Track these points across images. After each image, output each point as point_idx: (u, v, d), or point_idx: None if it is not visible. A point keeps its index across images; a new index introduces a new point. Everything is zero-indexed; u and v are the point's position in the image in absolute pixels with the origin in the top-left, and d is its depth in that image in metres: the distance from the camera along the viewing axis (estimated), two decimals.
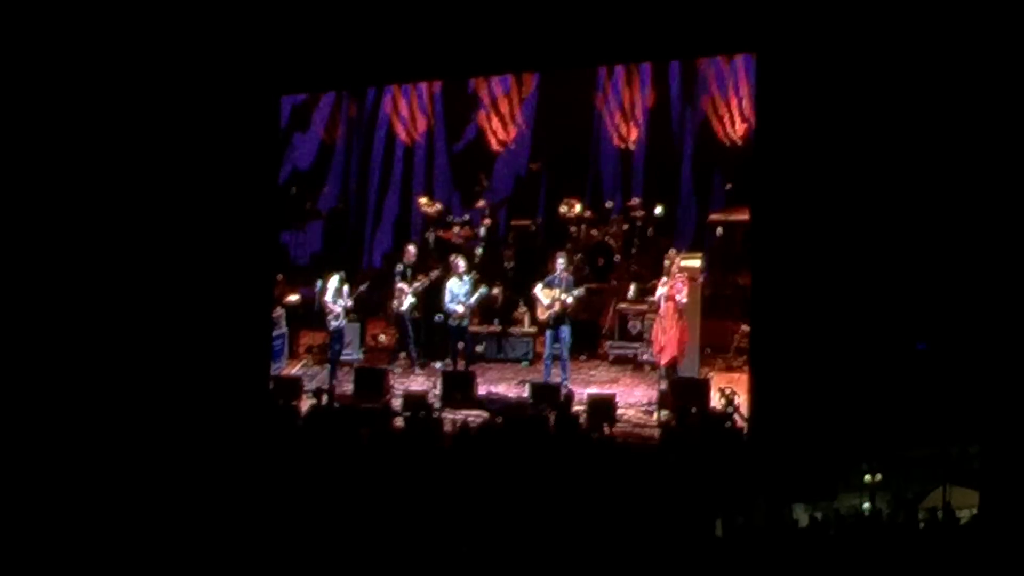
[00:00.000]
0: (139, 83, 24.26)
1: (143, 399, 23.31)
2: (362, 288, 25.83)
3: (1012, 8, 20.85)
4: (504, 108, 27.27)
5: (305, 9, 24.07)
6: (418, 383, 25.26)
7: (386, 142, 27.77)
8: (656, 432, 23.00)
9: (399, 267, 26.08)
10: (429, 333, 25.79)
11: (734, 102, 25.76)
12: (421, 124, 27.78)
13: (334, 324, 25.63)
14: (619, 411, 23.60)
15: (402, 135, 27.74)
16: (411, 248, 26.19)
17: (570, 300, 24.52)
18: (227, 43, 24.16)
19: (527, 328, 25.76)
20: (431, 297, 25.57)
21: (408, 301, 25.69)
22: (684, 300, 23.99)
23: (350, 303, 25.63)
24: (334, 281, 25.66)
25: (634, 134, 26.71)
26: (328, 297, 25.69)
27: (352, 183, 28.23)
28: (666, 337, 24.05)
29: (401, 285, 25.88)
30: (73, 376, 23.64)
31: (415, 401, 24.23)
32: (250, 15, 24.06)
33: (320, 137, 27.95)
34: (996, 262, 20.95)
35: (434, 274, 25.56)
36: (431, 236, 26.93)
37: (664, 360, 24.08)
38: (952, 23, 21.06)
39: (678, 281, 23.94)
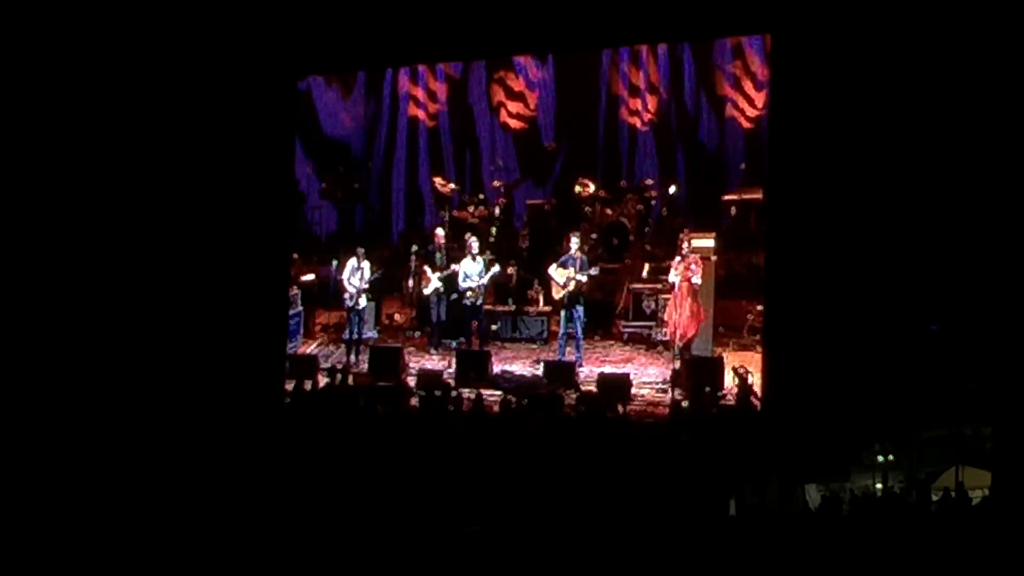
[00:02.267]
0: (155, 64, 24.18)
1: (160, 378, 23.29)
2: (378, 274, 25.71)
3: None
4: (519, 88, 27.24)
5: None
6: (433, 362, 25.15)
7: (402, 122, 27.77)
8: (680, 412, 22.91)
9: (428, 248, 25.96)
10: (449, 315, 25.68)
11: (748, 82, 25.70)
12: (436, 105, 27.77)
13: (348, 303, 25.53)
14: (633, 390, 23.48)
15: (418, 115, 27.72)
16: (440, 232, 26.03)
17: (584, 280, 24.40)
18: (243, 26, 24.07)
19: (541, 307, 25.70)
20: (453, 281, 25.44)
21: (433, 286, 25.59)
22: (698, 281, 23.88)
23: (366, 285, 25.48)
24: (352, 260, 25.53)
25: (648, 114, 26.67)
26: (344, 276, 25.58)
27: (371, 162, 28.27)
28: (680, 317, 23.95)
29: (426, 268, 25.78)
30: (91, 354, 23.62)
31: (430, 379, 24.15)
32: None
33: (342, 118, 28.04)
34: (1011, 243, 20.84)
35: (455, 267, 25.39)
36: (445, 216, 26.91)
37: (678, 340, 23.98)
38: (969, 11, 20.95)
39: (692, 262, 23.83)
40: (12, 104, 24.13)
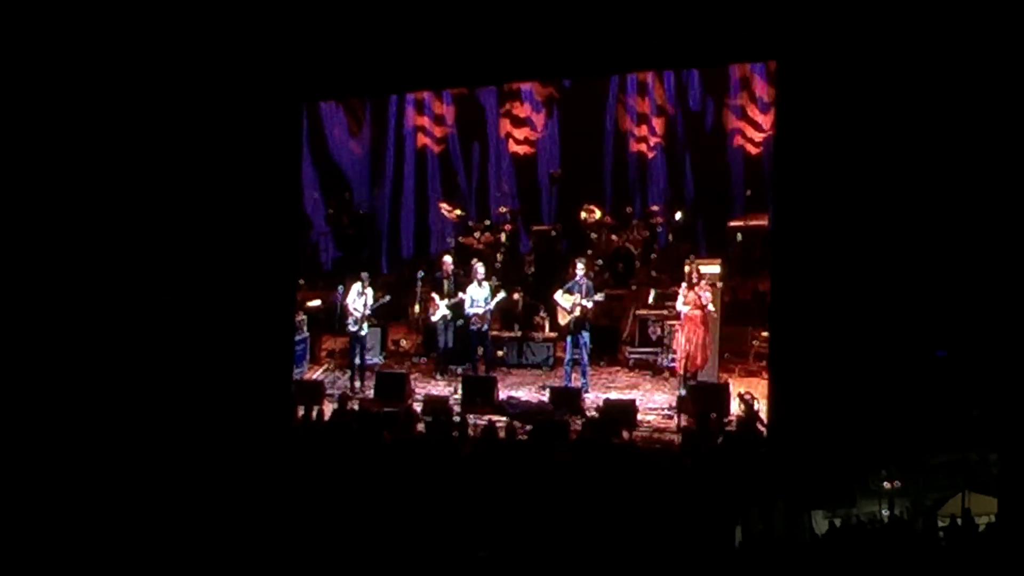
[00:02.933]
0: (160, 89, 24.23)
1: (166, 402, 23.29)
2: (383, 300, 25.73)
3: None
4: (525, 115, 27.30)
5: (327, 15, 24.00)
6: (439, 388, 25.16)
7: (408, 148, 27.84)
8: (676, 438, 22.89)
9: (436, 275, 25.94)
10: (455, 341, 25.68)
11: (754, 107, 25.75)
12: (444, 128, 27.84)
13: (352, 329, 25.54)
14: (639, 416, 23.47)
15: (425, 143, 27.78)
16: (448, 259, 26.02)
17: (590, 305, 24.38)
18: (248, 50, 24.12)
19: (547, 333, 25.74)
20: (461, 308, 25.41)
21: (440, 313, 25.60)
22: (712, 308, 23.90)
23: (369, 311, 25.49)
24: (356, 286, 25.54)
25: (655, 138, 26.74)
26: (348, 301, 25.60)
27: (376, 189, 28.32)
28: (693, 345, 23.94)
29: (434, 295, 25.78)
30: (95, 378, 23.64)
31: (436, 405, 24.14)
32: (271, 22, 24.03)
33: (347, 143, 28.11)
34: (1018, 270, 20.85)
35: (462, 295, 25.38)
36: (452, 241, 26.95)
37: (691, 367, 23.98)
38: (976, 31, 20.95)
39: (704, 290, 23.82)
40: (16, 122, 24.24)
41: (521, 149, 27.56)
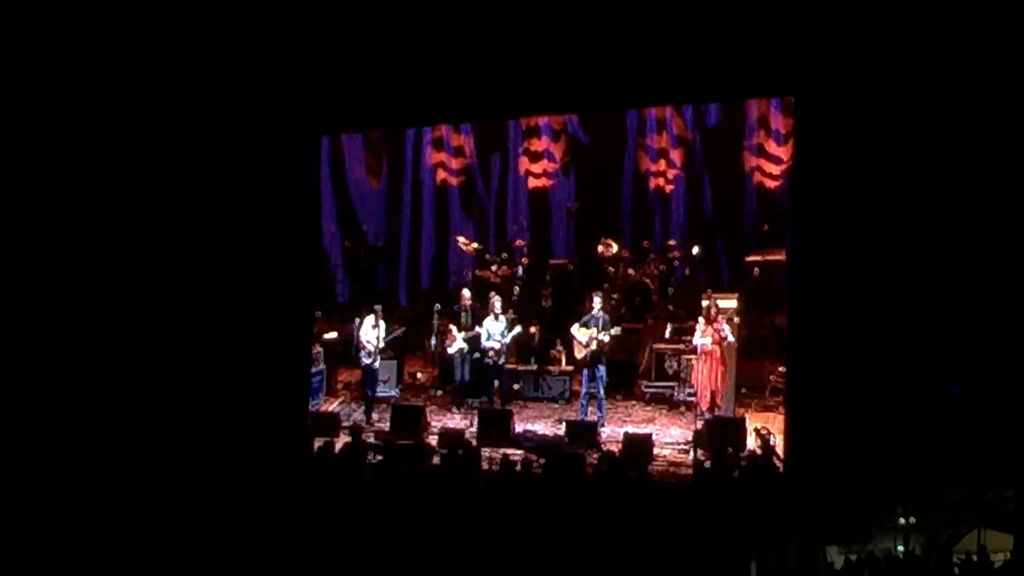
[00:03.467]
0: (180, 121, 24.39)
1: (185, 433, 23.37)
2: (398, 332, 25.81)
3: None
4: (542, 149, 27.37)
5: (347, 50, 24.13)
6: (455, 421, 25.20)
7: (426, 184, 27.92)
8: (703, 472, 22.89)
9: (454, 308, 25.98)
10: (471, 374, 25.73)
11: (771, 142, 25.79)
12: (461, 162, 27.92)
13: (366, 361, 25.61)
14: (655, 450, 23.48)
15: (443, 176, 27.87)
16: (466, 292, 26.05)
17: (607, 339, 24.41)
18: (268, 82, 24.26)
19: (564, 367, 25.74)
20: (478, 341, 25.48)
21: (457, 345, 25.66)
22: (732, 339, 23.95)
23: (383, 344, 25.57)
24: (370, 319, 25.61)
25: (672, 173, 26.78)
26: (362, 334, 25.70)
27: (393, 223, 28.38)
28: (712, 380, 23.95)
29: (452, 328, 25.83)
30: (110, 410, 23.74)
31: (452, 438, 24.16)
32: (293, 54, 24.17)
33: (365, 177, 28.20)
34: None
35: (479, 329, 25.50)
36: (469, 275, 27.02)
37: (710, 402, 23.98)
38: (991, 65, 21.02)
39: (723, 324, 23.85)
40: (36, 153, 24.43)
41: (539, 183, 27.60)
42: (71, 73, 24.40)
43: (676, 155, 26.73)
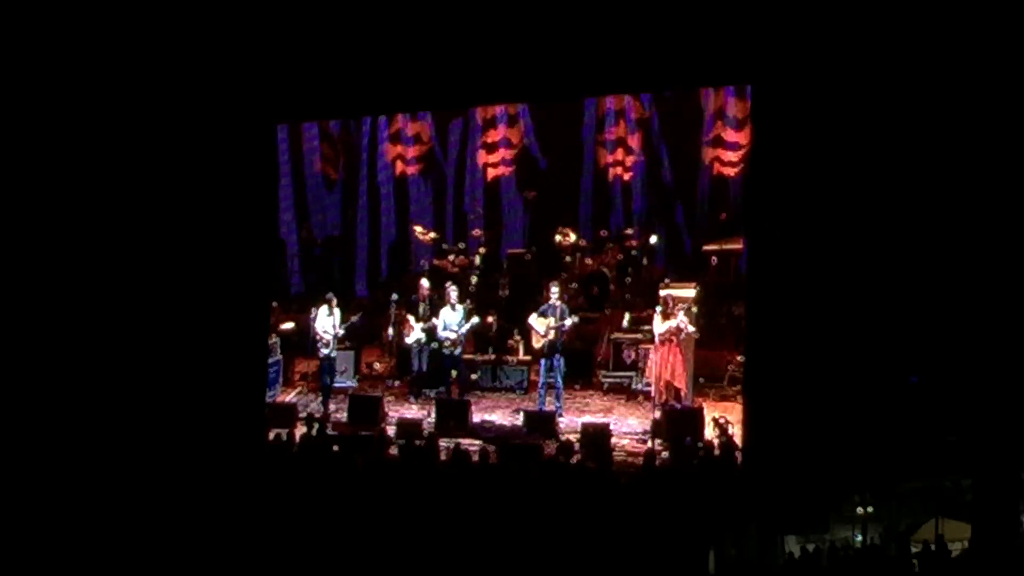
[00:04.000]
0: (138, 107, 24.27)
1: (140, 423, 23.26)
2: (354, 319, 25.73)
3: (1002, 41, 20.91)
4: (499, 138, 27.35)
5: (302, 38, 24.02)
6: (412, 412, 25.15)
7: (383, 176, 27.86)
8: (655, 463, 22.94)
9: (411, 298, 25.89)
10: (429, 365, 25.69)
11: (728, 130, 25.84)
12: (416, 152, 27.86)
13: (324, 351, 25.54)
14: (613, 440, 23.49)
15: (401, 169, 27.81)
16: (424, 282, 25.93)
17: (564, 329, 24.42)
18: (223, 70, 24.14)
19: (521, 357, 25.72)
20: (435, 331, 25.42)
21: (415, 336, 25.60)
22: (691, 330, 23.96)
23: (341, 331, 25.51)
24: (324, 309, 25.54)
25: (629, 161, 26.81)
26: (317, 324, 25.62)
27: (350, 211, 28.32)
28: (669, 370, 23.96)
29: (409, 318, 25.76)
30: (70, 394, 23.67)
31: (409, 429, 24.13)
32: (249, 42, 24.07)
33: (322, 167, 28.12)
34: (989, 297, 20.98)
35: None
36: (426, 264, 26.97)
37: (670, 393, 24.00)
38: (944, 53, 21.11)
39: (681, 313, 23.85)
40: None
41: (497, 171, 27.58)
42: (27, 60, 24.27)
43: (634, 140, 26.74)
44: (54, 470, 21.94)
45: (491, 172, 27.47)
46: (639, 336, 25.02)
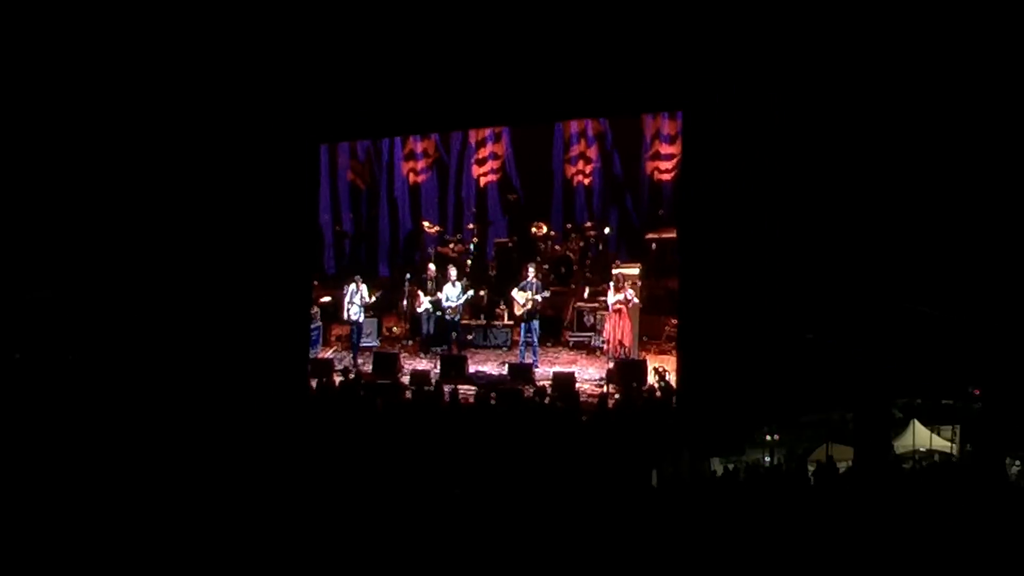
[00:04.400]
0: (212, 130, 24.30)
1: (209, 377, 23.24)
2: (378, 295, 25.66)
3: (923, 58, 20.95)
4: (487, 154, 27.26)
5: (340, 80, 24.10)
6: (422, 365, 25.06)
7: (400, 185, 27.73)
8: (608, 403, 22.89)
9: (421, 277, 25.78)
10: (435, 329, 25.59)
11: (664, 145, 25.79)
12: (424, 164, 27.72)
13: (353, 318, 25.44)
14: (577, 385, 23.43)
15: (414, 180, 27.70)
16: (431, 266, 25.83)
17: (539, 300, 24.37)
18: (282, 106, 24.23)
19: (506, 322, 25.63)
20: (439, 302, 25.30)
21: (424, 306, 25.48)
22: (637, 301, 23.91)
23: (368, 301, 25.41)
24: (352, 286, 25.49)
25: (588, 169, 26.72)
26: (345, 298, 25.58)
27: (372, 211, 28.17)
28: (621, 332, 23.91)
29: (419, 292, 25.64)
30: (149, 358, 23.65)
31: (420, 378, 24.08)
32: (300, 87, 24.13)
33: (348, 177, 27.97)
34: (866, 273, 21.07)
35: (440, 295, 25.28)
36: (432, 251, 26.88)
37: (619, 349, 23.90)
38: (859, 75, 21.17)
39: (628, 288, 23.82)
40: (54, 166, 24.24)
41: (486, 179, 27.42)
42: (85, 81, 24.20)
43: (592, 152, 26.60)
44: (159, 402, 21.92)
45: (482, 180, 27.28)
46: (596, 305, 24.93)
